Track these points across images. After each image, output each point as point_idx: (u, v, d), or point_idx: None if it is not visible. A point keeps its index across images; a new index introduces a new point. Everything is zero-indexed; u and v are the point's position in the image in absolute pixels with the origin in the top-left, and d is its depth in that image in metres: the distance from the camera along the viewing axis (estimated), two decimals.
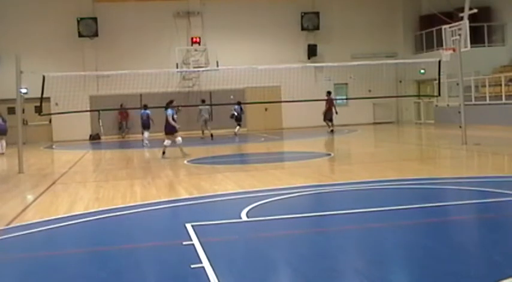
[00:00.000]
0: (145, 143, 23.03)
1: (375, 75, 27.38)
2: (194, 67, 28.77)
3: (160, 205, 9.26)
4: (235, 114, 26.06)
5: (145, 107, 23.29)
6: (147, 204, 9.36)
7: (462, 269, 5.33)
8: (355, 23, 31.75)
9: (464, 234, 6.91)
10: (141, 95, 26.42)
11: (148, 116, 23.40)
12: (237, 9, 30.91)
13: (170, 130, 17.14)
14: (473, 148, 15.94)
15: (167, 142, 17.22)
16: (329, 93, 26.16)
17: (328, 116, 26.05)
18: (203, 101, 26.27)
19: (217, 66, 26.77)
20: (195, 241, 6.48)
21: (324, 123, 26.24)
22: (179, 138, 17.07)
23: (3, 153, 20.74)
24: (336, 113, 26.01)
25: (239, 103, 26.02)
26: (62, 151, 23.72)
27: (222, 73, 26.19)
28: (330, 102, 25.83)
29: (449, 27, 20.09)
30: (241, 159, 17.49)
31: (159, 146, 21.79)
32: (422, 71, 29.23)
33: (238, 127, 26.42)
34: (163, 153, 17.25)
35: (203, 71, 28.14)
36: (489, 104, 25.24)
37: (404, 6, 32.31)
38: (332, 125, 25.80)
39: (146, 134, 23.43)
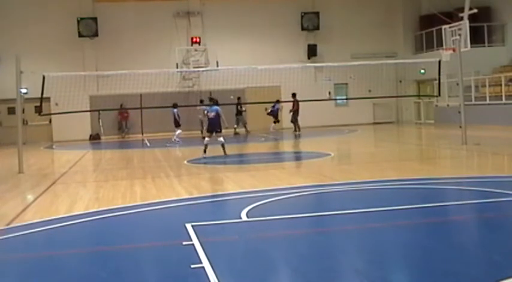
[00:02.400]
0: (177, 140, 23.24)
1: (375, 75, 27.38)
2: (194, 67, 28.78)
3: (160, 205, 9.25)
4: (273, 111, 26.54)
5: (175, 106, 23.50)
6: (147, 204, 9.35)
7: (462, 269, 5.33)
8: (355, 23, 31.75)
9: (464, 234, 6.91)
10: (141, 95, 26.39)
11: (175, 114, 23.57)
12: (237, 9, 30.90)
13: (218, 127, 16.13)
14: (473, 148, 15.93)
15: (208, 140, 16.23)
16: (294, 95, 26.31)
17: (295, 118, 26.40)
18: (201, 101, 26.45)
19: (217, 66, 26.79)
20: (195, 241, 6.47)
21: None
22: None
23: None
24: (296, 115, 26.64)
25: (278, 101, 26.26)
26: (62, 151, 23.72)
27: (222, 73, 26.17)
28: (296, 104, 26.12)
29: (449, 27, 20.10)
30: (241, 159, 17.48)
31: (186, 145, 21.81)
32: (422, 71, 29.23)
33: (273, 124, 26.93)
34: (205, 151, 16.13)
35: (203, 71, 28.13)
36: (489, 104, 25.24)
37: (404, 6, 32.30)
38: (298, 127, 26.16)
39: (178, 131, 23.57)
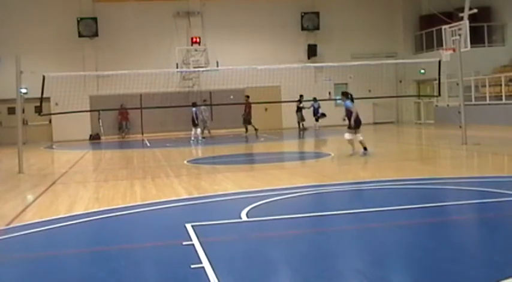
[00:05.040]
0: (200, 139, 23.75)
1: (374, 75, 27.39)
2: (194, 67, 28.78)
3: (160, 205, 9.25)
4: (315, 109, 27.51)
5: (194, 105, 23.73)
6: (147, 204, 9.35)
7: (462, 269, 5.33)
8: (355, 23, 31.76)
9: (464, 234, 6.91)
10: (141, 95, 26.43)
11: (193, 113, 23.79)
12: (237, 9, 30.91)
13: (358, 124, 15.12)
14: (473, 148, 15.93)
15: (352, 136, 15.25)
16: (247, 97, 26.61)
17: (247, 120, 26.85)
18: (204, 101, 26.64)
19: (217, 66, 26.81)
20: (195, 241, 6.47)
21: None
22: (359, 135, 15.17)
23: None
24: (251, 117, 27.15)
25: (315, 99, 26.91)
26: (62, 151, 23.73)
27: (222, 73, 26.22)
28: (249, 106, 26.41)
29: (449, 27, 20.12)
30: (241, 159, 17.47)
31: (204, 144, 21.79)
32: (422, 71, 29.24)
33: (316, 123, 27.48)
34: (365, 148, 15.12)
35: (203, 71, 28.14)
36: (489, 104, 25.24)
37: (404, 6, 32.32)
38: (254, 127, 26.59)
39: (196, 130, 23.88)
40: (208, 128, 26.32)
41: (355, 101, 15.46)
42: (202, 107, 25.84)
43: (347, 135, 15.29)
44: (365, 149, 15.11)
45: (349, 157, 15.13)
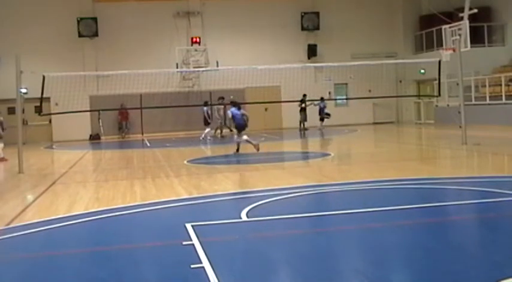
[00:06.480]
0: (208, 138, 23.89)
1: (374, 75, 27.41)
2: (194, 67, 28.79)
3: (160, 205, 9.25)
4: (321, 108, 27.58)
5: (206, 104, 23.80)
6: (147, 204, 9.35)
7: (462, 269, 5.33)
8: (355, 23, 31.77)
9: (464, 234, 6.91)
10: (141, 95, 26.41)
11: (205, 112, 23.92)
12: (237, 9, 30.92)
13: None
14: (473, 148, 15.93)
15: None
16: (222, 98, 26.67)
17: (222, 122, 27.00)
18: (221, 98, 26.63)
19: (217, 66, 26.81)
20: (195, 241, 6.47)
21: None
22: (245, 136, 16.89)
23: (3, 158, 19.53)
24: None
25: (322, 99, 26.99)
26: (62, 151, 23.73)
27: (222, 73, 26.23)
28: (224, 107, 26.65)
29: (449, 27, 20.12)
30: (241, 159, 17.46)
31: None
32: (422, 71, 29.24)
33: (321, 122, 27.55)
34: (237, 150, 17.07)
35: (203, 71, 28.15)
36: (489, 104, 25.24)
37: (404, 6, 32.32)
38: (221, 130, 26.81)
39: (206, 130, 23.93)
40: (221, 127, 26.30)
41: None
42: (220, 106, 25.82)
43: (236, 138, 16.97)
44: (237, 150, 16.68)
45: (348, 157, 15.11)
